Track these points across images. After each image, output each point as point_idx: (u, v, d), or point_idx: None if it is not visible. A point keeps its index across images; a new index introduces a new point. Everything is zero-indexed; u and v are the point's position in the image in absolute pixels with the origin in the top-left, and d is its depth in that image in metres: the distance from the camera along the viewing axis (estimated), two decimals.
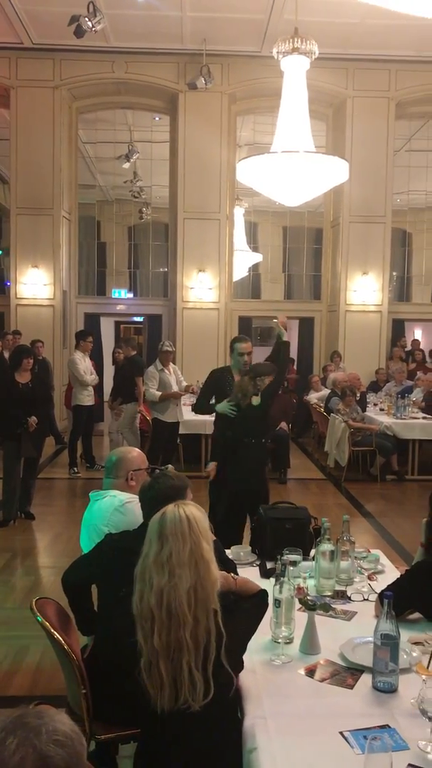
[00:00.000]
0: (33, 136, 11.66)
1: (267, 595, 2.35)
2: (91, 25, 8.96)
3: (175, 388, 8.26)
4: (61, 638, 2.52)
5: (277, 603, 2.49)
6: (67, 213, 12.36)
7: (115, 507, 3.13)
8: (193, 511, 2.04)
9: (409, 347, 13.16)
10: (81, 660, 2.59)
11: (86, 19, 8.91)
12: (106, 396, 10.21)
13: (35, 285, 11.87)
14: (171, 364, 8.44)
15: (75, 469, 8.95)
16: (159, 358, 8.38)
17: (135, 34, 10.83)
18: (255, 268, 14.18)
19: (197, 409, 5.79)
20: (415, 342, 14.03)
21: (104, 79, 11.90)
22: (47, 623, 2.55)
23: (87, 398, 9.04)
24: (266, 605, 2.34)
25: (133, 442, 8.65)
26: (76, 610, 2.90)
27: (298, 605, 2.64)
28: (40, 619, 2.56)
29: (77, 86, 11.96)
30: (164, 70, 11.74)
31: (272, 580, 2.61)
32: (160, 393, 8.10)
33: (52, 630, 2.53)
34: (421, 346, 13.87)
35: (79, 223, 13.06)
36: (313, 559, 3.14)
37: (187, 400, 9.98)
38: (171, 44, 11.22)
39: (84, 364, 9.02)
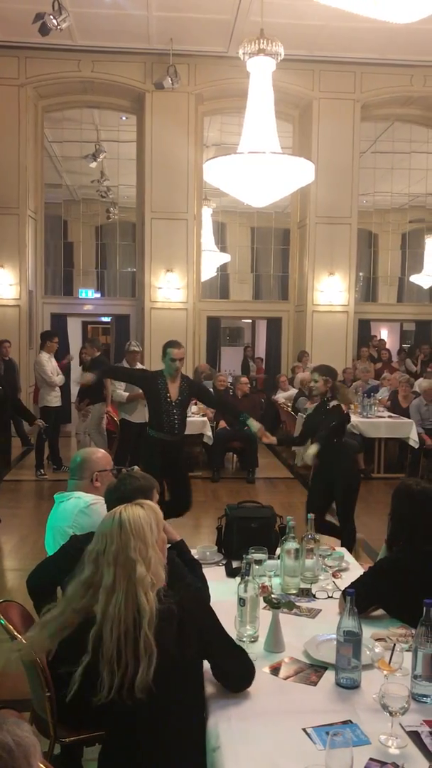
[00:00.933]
0: None
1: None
2: (56, 23, 8.88)
3: None
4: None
5: (242, 602, 2.50)
6: (33, 212, 12.24)
7: (80, 508, 3.12)
8: (135, 513, 2.08)
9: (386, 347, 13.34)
10: (45, 663, 2.57)
11: (51, 16, 8.83)
12: (74, 397, 10.13)
13: (0, 285, 11.74)
14: (138, 363, 8.41)
15: (41, 470, 8.88)
16: (126, 358, 8.35)
17: (101, 32, 10.77)
18: (223, 268, 14.22)
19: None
20: (381, 342, 14.20)
21: (70, 78, 11.82)
22: (10, 626, 2.53)
23: (54, 399, 8.98)
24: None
25: (101, 443, 8.60)
26: (40, 612, 2.88)
27: (262, 604, 2.66)
28: (3, 622, 2.53)
29: (43, 85, 11.86)
30: (131, 69, 11.70)
31: (237, 579, 2.62)
32: (127, 394, 8.08)
33: (16, 633, 2.51)
34: (387, 346, 14.04)
35: (45, 223, 12.95)
36: (279, 558, 3.16)
37: None
38: (137, 44, 11.19)
39: (50, 364, 8.95)
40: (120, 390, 8.10)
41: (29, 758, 1.11)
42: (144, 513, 2.09)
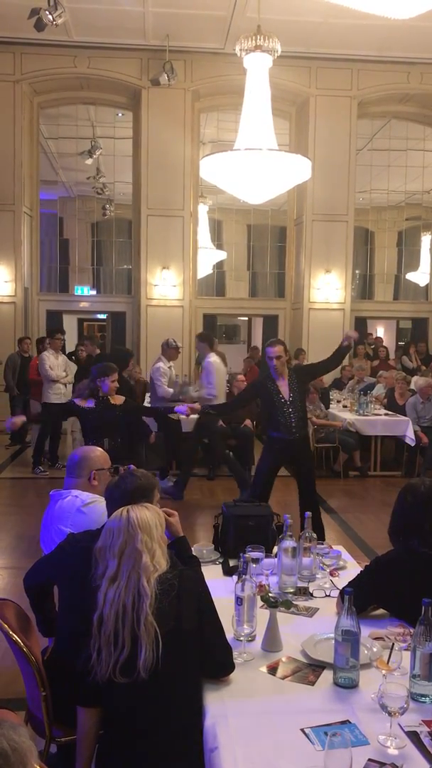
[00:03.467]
0: None
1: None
2: (51, 19, 8.85)
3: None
4: (20, 640, 2.48)
5: (239, 600, 2.49)
6: (29, 209, 12.20)
7: (77, 507, 3.09)
8: (142, 512, 2.19)
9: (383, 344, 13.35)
10: (41, 662, 2.55)
11: (47, 12, 8.80)
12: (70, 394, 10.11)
13: None
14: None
15: (41, 468, 8.83)
16: (166, 354, 8.11)
17: (97, 28, 10.73)
18: (219, 265, 14.19)
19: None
20: (379, 339, 14.20)
21: (66, 74, 11.77)
22: (6, 625, 2.50)
23: (55, 396, 8.93)
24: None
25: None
26: (37, 611, 2.87)
27: (260, 602, 2.65)
28: None
29: (38, 81, 11.81)
30: (127, 65, 11.66)
31: (235, 577, 2.61)
32: (172, 390, 7.89)
33: (11, 632, 2.49)
34: (384, 344, 14.03)
35: (41, 220, 12.91)
36: (276, 556, 3.15)
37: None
38: (134, 40, 11.16)
39: (52, 360, 8.90)
40: (165, 386, 7.89)
41: (26, 763, 1.10)
42: (150, 513, 2.20)
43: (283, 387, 5.60)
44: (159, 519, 2.24)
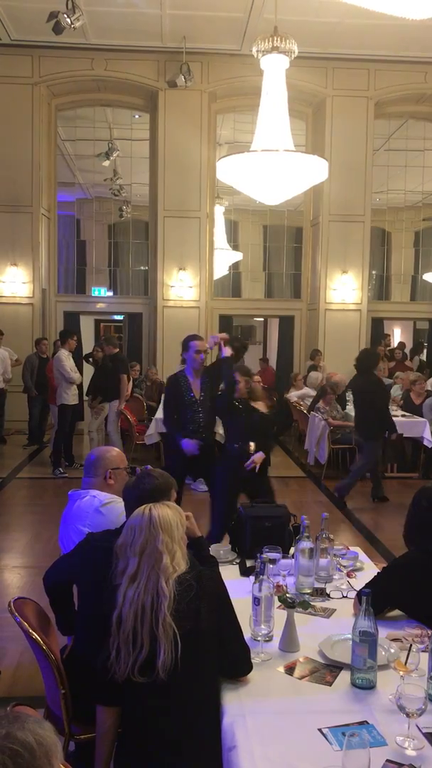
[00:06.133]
0: (11, 133, 11.58)
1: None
2: (69, 22, 8.92)
3: None
4: (39, 638, 2.51)
5: (257, 601, 2.50)
6: (47, 211, 12.28)
7: (95, 507, 3.11)
8: (164, 511, 2.20)
9: (392, 346, 13.29)
10: (60, 660, 2.57)
11: (65, 15, 8.87)
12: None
13: (14, 283, 11.79)
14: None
15: (60, 469, 8.85)
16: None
17: (114, 31, 10.78)
18: (235, 266, 14.19)
19: None
20: (401, 344, 14.14)
21: (83, 77, 11.84)
22: (25, 623, 2.53)
23: (72, 397, 9.00)
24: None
25: (117, 441, 8.61)
26: (56, 610, 2.90)
27: (277, 603, 2.65)
28: (18, 619, 2.54)
29: (56, 83, 11.89)
30: (144, 67, 11.71)
31: (252, 578, 2.62)
32: None
33: (31, 630, 2.52)
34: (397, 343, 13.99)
35: (58, 221, 12.98)
36: (293, 557, 3.15)
37: None
38: (150, 42, 11.19)
39: (70, 362, 8.96)
40: None
41: (50, 758, 1.11)
42: (171, 512, 2.21)
43: (195, 386, 5.46)
44: (180, 518, 2.24)
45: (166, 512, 2.20)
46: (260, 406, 5.25)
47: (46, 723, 1.16)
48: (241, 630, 2.30)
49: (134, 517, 2.21)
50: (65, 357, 8.92)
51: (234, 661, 2.27)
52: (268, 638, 2.50)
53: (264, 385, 12.53)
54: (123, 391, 8.77)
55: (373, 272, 13.91)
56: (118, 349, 9.48)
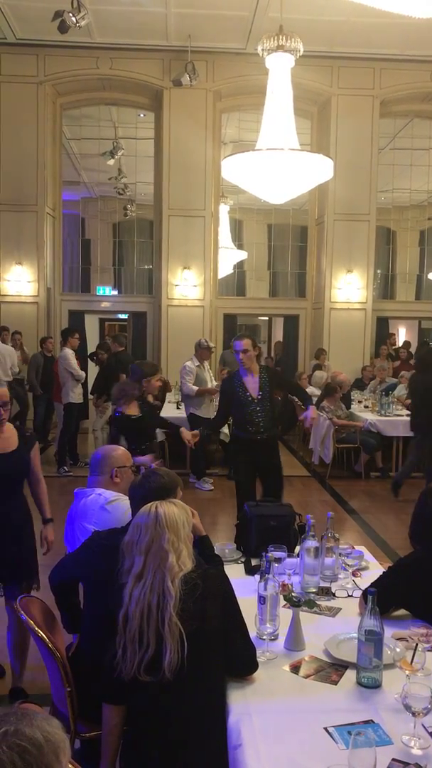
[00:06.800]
0: (17, 132, 11.59)
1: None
2: (75, 21, 8.92)
3: (210, 386, 8.33)
4: (45, 636, 2.52)
5: (262, 600, 2.50)
6: (51, 209, 12.29)
7: (100, 505, 3.12)
8: (170, 509, 2.20)
9: (397, 345, 13.27)
10: (66, 658, 2.58)
11: (70, 14, 8.87)
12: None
13: (19, 282, 11.81)
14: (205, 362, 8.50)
15: (65, 468, 8.87)
16: (197, 354, 8.38)
17: (119, 30, 10.78)
18: (240, 265, 14.18)
19: None
20: (406, 343, 14.12)
21: (88, 75, 11.84)
22: (31, 621, 2.54)
23: (78, 396, 9.01)
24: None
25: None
26: (63, 608, 2.90)
27: (282, 602, 2.65)
28: (24, 617, 2.55)
29: (61, 82, 11.89)
30: (149, 66, 11.70)
31: (257, 577, 2.62)
32: (197, 387, 8.12)
33: (37, 628, 2.53)
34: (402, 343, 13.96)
35: (63, 220, 12.99)
36: (298, 556, 3.15)
37: (172, 397, 9.99)
38: (156, 41, 11.19)
39: (74, 360, 8.99)
40: (190, 383, 8.10)
41: (58, 754, 1.11)
42: (178, 510, 2.21)
43: (252, 384, 5.39)
44: (187, 516, 2.24)
45: (173, 510, 2.19)
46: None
47: (54, 720, 1.16)
48: (246, 629, 2.29)
49: (140, 515, 2.21)
50: (70, 355, 8.95)
51: (240, 659, 2.27)
52: (274, 637, 2.50)
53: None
54: None
55: (378, 271, 13.88)
56: (123, 348, 9.48)
